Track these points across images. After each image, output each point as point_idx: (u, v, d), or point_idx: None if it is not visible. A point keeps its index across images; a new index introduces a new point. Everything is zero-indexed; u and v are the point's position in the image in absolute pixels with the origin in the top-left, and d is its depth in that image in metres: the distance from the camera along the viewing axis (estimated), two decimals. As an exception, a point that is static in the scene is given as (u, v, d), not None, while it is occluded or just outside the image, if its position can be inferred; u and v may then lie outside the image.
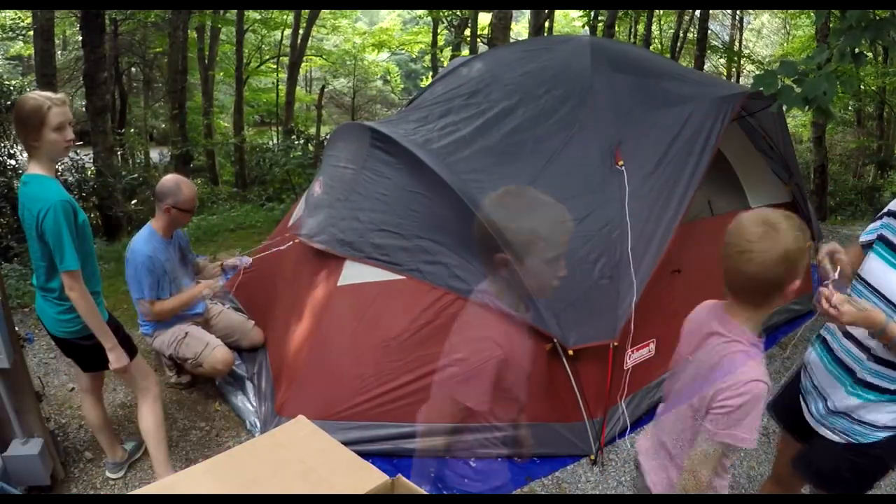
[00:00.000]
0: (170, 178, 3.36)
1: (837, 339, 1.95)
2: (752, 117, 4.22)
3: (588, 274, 3.09)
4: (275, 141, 15.70)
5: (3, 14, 11.75)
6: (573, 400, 3.02)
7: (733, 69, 17.78)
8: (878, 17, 2.56)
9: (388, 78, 24.41)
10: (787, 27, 19.92)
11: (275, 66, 18.77)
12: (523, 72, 4.08)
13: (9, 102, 7.65)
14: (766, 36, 22.33)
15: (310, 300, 3.46)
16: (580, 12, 12.87)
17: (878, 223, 1.93)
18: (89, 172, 8.75)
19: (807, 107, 2.59)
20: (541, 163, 3.44)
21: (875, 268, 1.85)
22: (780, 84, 2.69)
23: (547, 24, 12.45)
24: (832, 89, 2.52)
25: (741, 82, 17.67)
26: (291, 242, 3.81)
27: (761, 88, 2.76)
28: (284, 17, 16.02)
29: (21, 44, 13.63)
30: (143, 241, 3.26)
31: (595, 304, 3.04)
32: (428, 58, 18.10)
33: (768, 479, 2.54)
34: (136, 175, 10.65)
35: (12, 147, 7.97)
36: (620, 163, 3.36)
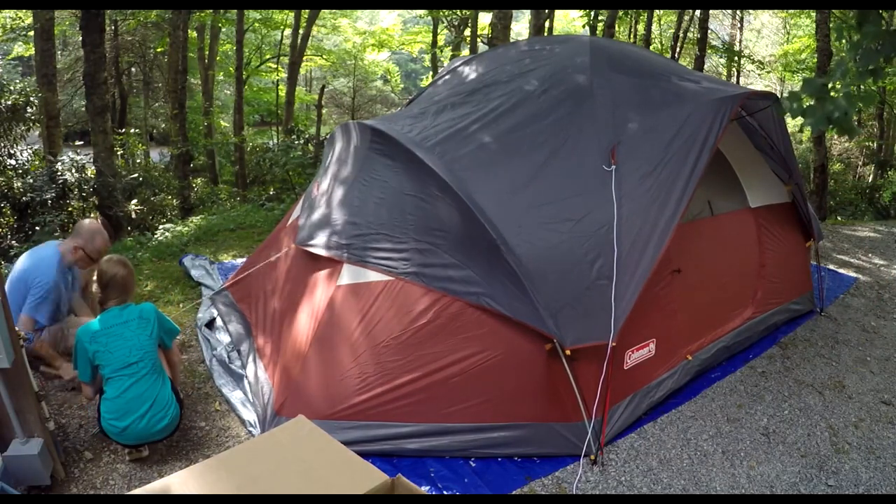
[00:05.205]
0: (91, 224, 3.63)
1: None
2: (752, 117, 4.21)
3: (585, 274, 3.09)
4: (275, 141, 15.74)
5: (3, 14, 11.76)
6: (573, 400, 3.02)
7: (733, 69, 17.81)
8: (892, 29, 2.50)
9: (388, 78, 24.42)
10: (787, 27, 19.94)
11: (275, 66, 18.79)
12: (523, 71, 4.08)
13: (9, 102, 7.66)
14: (767, 36, 22.35)
15: (309, 299, 3.47)
16: (580, 12, 12.89)
17: None
18: (89, 172, 8.75)
19: (830, 126, 2.55)
20: (538, 162, 3.44)
21: None
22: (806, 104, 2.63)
23: (547, 24, 12.45)
24: (852, 108, 2.48)
25: (741, 82, 17.72)
26: (287, 249, 3.82)
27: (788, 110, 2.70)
28: (284, 16, 16.04)
29: (22, 46, 13.64)
30: (52, 267, 3.49)
31: (593, 305, 3.04)
32: (428, 58, 18.12)
33: None
34: (136, 175, 10.68)
35: (12, 147, 7.98)
36: (614, 163, 3.36)
